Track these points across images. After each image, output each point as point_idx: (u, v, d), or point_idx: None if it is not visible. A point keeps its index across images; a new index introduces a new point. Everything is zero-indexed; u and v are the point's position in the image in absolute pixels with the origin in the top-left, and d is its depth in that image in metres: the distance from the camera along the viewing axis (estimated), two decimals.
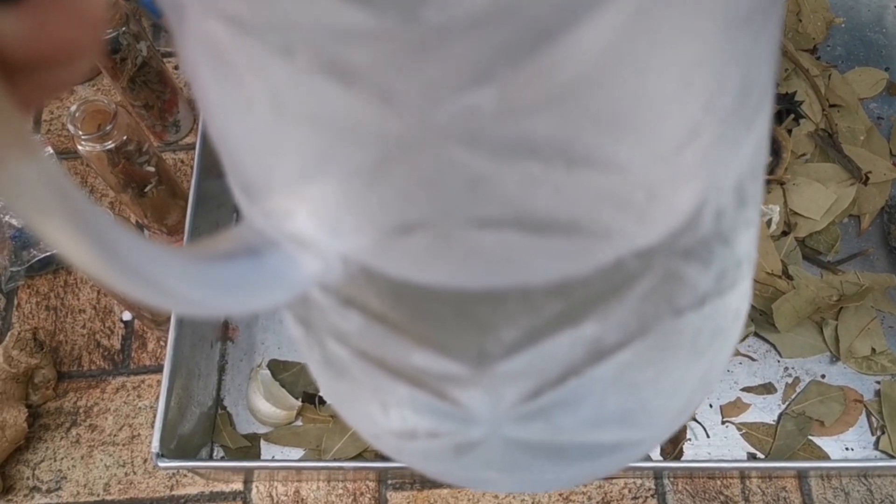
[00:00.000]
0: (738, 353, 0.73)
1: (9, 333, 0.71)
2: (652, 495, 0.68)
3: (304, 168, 0.16)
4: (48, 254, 0.77)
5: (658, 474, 0.69)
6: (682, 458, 0.69)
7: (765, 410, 0.71)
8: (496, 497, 0.69)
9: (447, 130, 0.14)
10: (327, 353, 0.20)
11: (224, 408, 0.73)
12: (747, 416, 0.70)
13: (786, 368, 0.72)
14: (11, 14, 0.13)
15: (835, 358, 0.72)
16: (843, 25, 0.87)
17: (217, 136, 0.17)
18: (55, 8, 0.13)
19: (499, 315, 0.17)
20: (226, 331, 0.76)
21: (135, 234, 0.15)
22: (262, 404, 0.70)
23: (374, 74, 0.13)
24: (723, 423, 0.70)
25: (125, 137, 0.65)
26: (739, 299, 0.21)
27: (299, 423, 0.71)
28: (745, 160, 0.17)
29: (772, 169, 0.77)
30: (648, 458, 0.69)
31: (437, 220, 0.15)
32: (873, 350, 0.71)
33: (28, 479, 0.71)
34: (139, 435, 0.73)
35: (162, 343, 0.76)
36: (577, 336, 0.18)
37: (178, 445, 0.64)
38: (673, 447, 0.70)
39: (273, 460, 0.70)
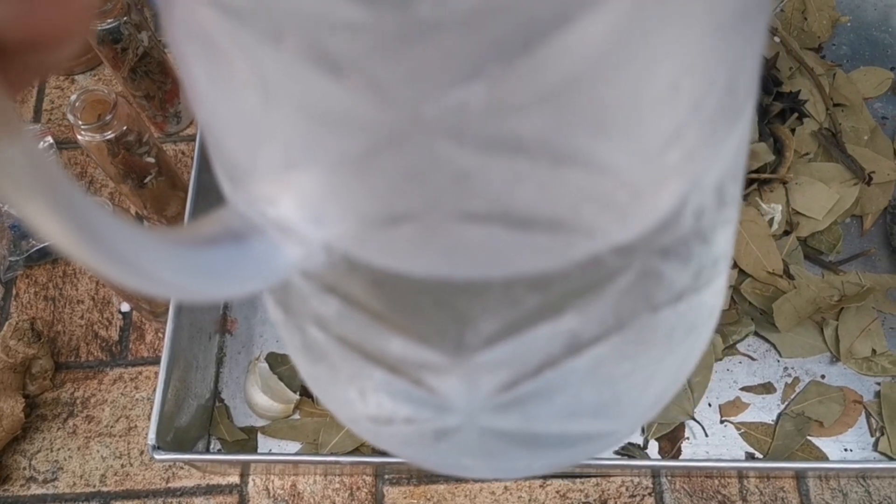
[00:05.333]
0: (737, 353, 0.73)
1: (6, 323, 0.71)
2: (649, 494, 0.68)
3: (289, 155, 0.16)
4: (47, 244, 0.77)
5: (656, 473, 0.69)
6: (680, 457, 0.69)
7: (764, 410, 0.70)
8: (493, 493, 0.69)
9: (435, 125, 0.14)
10: (307, 338, 0.21)
11: (221, 400, 0.73)
12: (746, 416, 0.70)
13: (785, 368, 0.72)
14: None
15: (835, 358, 0.72)
16: (848, 24, 0.87)
17: (203, 121, 0.17)
18: None
19: (479, 306, 0.17)
20: (224, 323, 0.76)
21: (118, 217, 0.15)
22: (260, 397, 0.70)
23: (363, 65, 0.13)
24: (721, 422, 0.70)
25: (125, 128, 0.64)
26: (714, 296, 0.21)
27: (297, 416, 0.71)
28: (727, 159, 0.17)
29: (775, 168, 0.76)
30: (646, 457, 0.69)
31: (422, 213, 0.15)
32: (874, 351, 0.71)
33: (25, 469, 0.71)
34: (136, 426, 0.72)
35: (160, 335, 0.76)
36: (555, 329, 0.18)
37: (174, 438, 0.63)
38: (671, 446, 0.69)
39: (270, 454, 0.69)
